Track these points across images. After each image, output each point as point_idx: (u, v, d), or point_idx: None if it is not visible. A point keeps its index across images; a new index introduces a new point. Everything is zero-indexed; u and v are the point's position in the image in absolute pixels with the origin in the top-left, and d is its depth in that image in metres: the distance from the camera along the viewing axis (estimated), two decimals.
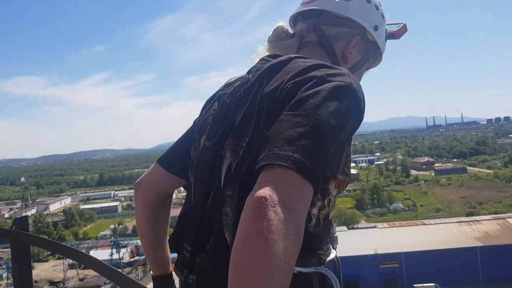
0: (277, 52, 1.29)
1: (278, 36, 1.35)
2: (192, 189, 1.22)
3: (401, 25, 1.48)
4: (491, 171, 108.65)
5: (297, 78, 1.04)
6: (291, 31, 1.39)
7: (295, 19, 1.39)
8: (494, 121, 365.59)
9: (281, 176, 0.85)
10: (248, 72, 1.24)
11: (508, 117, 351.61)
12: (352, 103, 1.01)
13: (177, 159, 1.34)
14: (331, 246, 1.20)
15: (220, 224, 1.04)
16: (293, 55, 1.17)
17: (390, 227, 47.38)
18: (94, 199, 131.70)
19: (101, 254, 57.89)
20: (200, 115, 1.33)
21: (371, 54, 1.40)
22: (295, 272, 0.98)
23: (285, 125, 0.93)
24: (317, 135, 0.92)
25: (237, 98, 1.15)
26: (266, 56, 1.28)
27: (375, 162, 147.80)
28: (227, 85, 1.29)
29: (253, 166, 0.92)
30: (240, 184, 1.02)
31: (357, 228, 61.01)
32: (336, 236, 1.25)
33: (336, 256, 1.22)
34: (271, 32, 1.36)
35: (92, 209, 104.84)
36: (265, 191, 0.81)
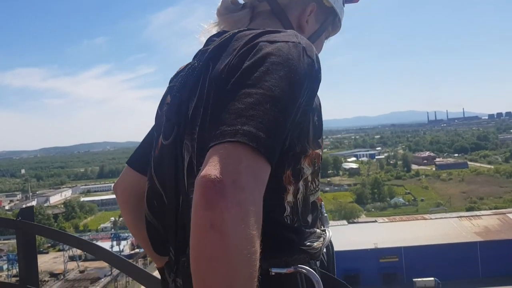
0: (227, 27, 1.19)
1: (227, 8, 1.23)
2: (163, 192, 1.11)
3: None
4: (492, 166, 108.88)
5: (242, 50, 0.95)
6: (241, 1, 1.25)
7: None
8: (495, 116, 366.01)
9: (229, 152, 0.76)
10: (195, 57, 1.13)
11: (510, 112, 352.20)
12: (303, 63, 0.90)
13: (146, 158, 1.23)
14: (324, 229, 1.08)
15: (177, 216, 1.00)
16: (236, 30, 1.05)
17: (391, 221, 47.60)
18: (95, 191, 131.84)
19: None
20: (157, 110, 1.22)
21: (329, 22, 1.27)
22: (272, 274, 0.90)
23: (232, 100, 0.84)
24: (268, 102, 0.82)
25: (187, 89, 1.04)
26: (212, 35, 1.16)
27: (376, 157, 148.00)
28: (176, 75, 1.18)
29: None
30: None
31: (358, 222, 61.24)
32: (326, 216, 1.14)
33: (329, 240, 1.09)
34: (220, 4, 1.24)
35: (93, 201, 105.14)
36: (212, 172, 0.73)
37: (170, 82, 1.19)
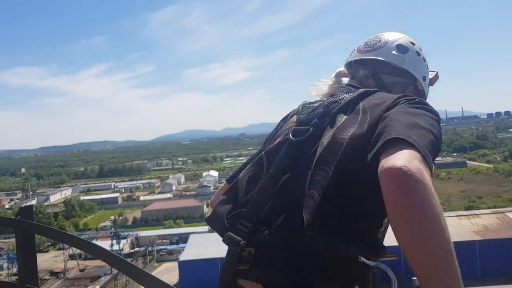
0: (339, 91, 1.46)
1: (339, 80, 1.53)
2: (265, 174, 1.27)
3: (434, 73, 1.65)
4: (491, 166, 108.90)
5: (400, 98, 1.23)
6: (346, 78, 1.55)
7: (350, 63, 1.57)
8: (494, 115, 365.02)
9: (413, 152, 1.00)
10: (332, 96, 1.40)
11: (509, 111, 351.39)
12: (440, 129, 1.16)
13: None
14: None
15: (296, 204, 1.13)
16: (376, 89, 1.37)
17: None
18: (95, 190, 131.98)
19: (102, 245, 57.91)
20: (276, 127, 1.48)
21: None
22: (360, 260, 1.11)
23: (402, 117, 1.11)
24: (431, 135, 1.08)
25: (336, 107, 1.29)
26: (342, 87, 1.46)
27: None
28: (305, 105, 1.42)
29: (363, 155, 1.11)
30: (340, 171, 1.13)
31: None
32: None
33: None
34: (334, 75, 1.54)
35: (93, 200, 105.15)
36: (412, 164, 0.96)
37: (299, 107, 1.43)
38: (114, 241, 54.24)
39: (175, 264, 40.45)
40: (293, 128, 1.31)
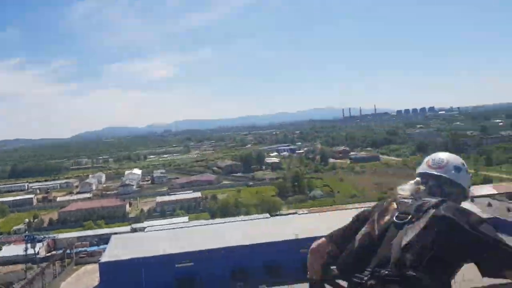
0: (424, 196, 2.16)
1: (417, 186, 2.25)
2: (376, 238, 1.95)
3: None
4: (400, 159, 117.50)
5: (478, 220, 1.87)
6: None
7: (421, 174, 2.30)
8: (403, 112, 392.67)
9: None
10: (420, 198, 2.08)
11: (416, 109, 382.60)
12: None
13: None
14: None
15: (401, 257, 1.79)
16: (446, 199, 2.04)
17: (310, 212, 49.58)
18: (6, 191, 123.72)
19: (15, 250, 54.81)
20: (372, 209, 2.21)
21: None
22: None
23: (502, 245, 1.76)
24: None
25: (425, 207, 1.95)
26: (423, 191, 2.19)
27: (297, 151, 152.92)
28: (401, 201, 2.10)
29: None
30: (429, 241, 1.80)
31: (280, 214, 63.27)
32: None
33: None
34: (413, 182, 2.26)
35: (3, 202, 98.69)
36: None
37: (399, 203, 2.09)
38: (29, 245, 51.35)
39: (96, 266, 39.34)
40: (397, 215, 2.00)
